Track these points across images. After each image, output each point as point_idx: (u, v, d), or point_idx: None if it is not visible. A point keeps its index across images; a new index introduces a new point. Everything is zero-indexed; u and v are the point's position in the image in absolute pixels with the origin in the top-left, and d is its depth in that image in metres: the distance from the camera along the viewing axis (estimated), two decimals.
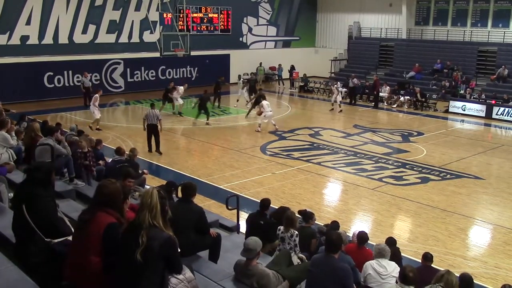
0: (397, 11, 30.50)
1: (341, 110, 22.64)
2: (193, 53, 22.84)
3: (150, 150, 15.23)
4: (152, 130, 15.13)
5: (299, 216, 7.23)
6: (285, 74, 31.25)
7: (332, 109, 22.89)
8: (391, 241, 6.96)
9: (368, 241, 6.80)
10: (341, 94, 23.34)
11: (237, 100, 24.16)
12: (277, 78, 31.77)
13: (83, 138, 10.18)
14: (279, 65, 31.28)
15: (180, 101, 21.18)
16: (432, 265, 6.52)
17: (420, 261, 8.24)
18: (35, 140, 9.23)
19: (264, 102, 18.57)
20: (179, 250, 3.67)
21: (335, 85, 23.43)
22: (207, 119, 19.48)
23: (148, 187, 9.73)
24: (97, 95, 17.94)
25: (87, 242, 3.55)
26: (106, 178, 4.14)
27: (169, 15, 24.43)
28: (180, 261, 3.66)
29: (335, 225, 7.85)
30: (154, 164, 14.28)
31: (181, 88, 21.23)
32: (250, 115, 20.65)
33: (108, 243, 3.54)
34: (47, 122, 12.48)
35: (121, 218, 3.68)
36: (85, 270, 3.54)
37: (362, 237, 6.59)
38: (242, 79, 25.02)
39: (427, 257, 6.42)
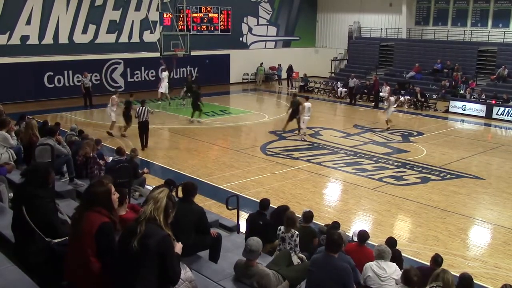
0: (397, 11, 30.49)
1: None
2: (193, 53, 22.82)
3: (143, 147, 15.33)
4: (145, 127, 15.48)
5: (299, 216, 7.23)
6: (285, 74, 31.21)
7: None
8: (391, 242, 6.91)
9: (368, 241, 6.78)
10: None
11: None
12: (277, 78, 31.75)
13: (88, 142, 9.80)
14: (279, 65, 31.27)
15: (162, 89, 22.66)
16: None
17: (419, 260, 8.32)
18: (32, 138, 9.20)
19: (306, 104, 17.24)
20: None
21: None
22: (197, 116, 19.43)
23: (148, 187, 9.78)
24: (114, 96, 17.34)
25: (82, 242, 3.55)
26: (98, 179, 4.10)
27: (169, 15, 24.41)
28: (173, 264, 3.47)
29: (335, 225, 7.83)
30: (154, 164, 14.26)
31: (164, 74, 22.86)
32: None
33: (101, 242, 3.52)
34: (47, 122, 12.46)
35: (112, 216, 3.67)
36: (83, 270, 3.54)
37: (363, 235, 6.56)
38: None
39: (438, 262, 6.08)
